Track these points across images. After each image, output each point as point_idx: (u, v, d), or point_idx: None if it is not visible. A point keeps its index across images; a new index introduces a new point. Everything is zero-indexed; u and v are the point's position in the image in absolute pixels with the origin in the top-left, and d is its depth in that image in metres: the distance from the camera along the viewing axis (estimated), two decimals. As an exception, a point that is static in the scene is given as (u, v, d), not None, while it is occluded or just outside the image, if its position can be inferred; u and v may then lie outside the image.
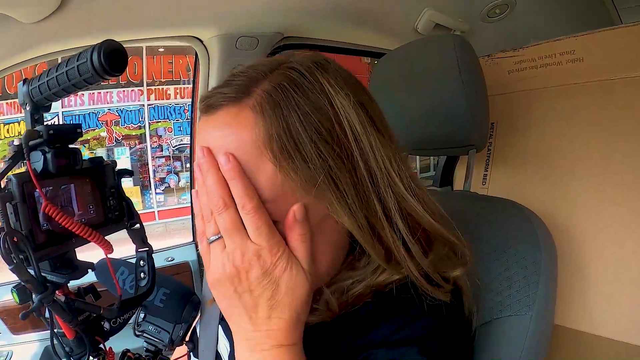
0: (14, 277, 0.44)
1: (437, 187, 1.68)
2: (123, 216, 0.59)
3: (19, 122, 7.54)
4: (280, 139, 0.44)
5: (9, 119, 7.53)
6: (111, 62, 0.44)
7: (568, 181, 1.05)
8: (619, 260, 0.95)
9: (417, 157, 5.82)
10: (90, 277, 0.60)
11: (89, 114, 8.03)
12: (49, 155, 0.48)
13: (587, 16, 1.39)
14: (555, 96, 1.10)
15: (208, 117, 0.48)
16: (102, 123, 8.13)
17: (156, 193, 8.52)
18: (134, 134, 8.41)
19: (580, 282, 0.99)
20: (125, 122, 8.32)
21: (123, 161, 8.27)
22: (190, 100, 1.37)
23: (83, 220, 0.52)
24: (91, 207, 0.54)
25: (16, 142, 0.47)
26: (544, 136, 1.11)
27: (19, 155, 0.46)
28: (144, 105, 8.36)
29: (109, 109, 8.15)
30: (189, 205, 1.45)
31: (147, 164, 8.52)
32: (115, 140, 8.28)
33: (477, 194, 0.90)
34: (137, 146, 8.47)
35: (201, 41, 1.19)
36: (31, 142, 0.48)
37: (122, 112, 8.27)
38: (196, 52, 1.23)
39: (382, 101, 0.89)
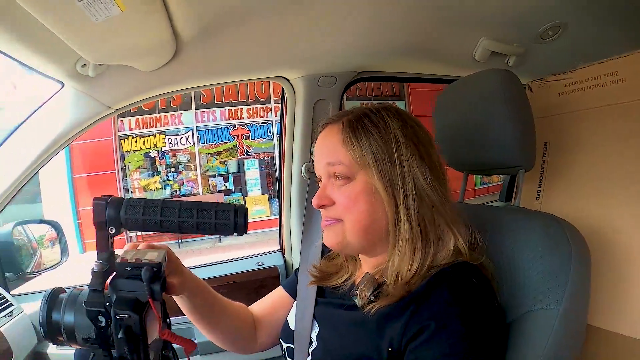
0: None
1: (502, 200, 1.75)
2: None
3: (154, 135, 8.78)
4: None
5: (144, 132, 8.77)
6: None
7: (616, 195, 1.10)
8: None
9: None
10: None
11: (221, 128, 9.12)
12: None
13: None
14: (602, 116, 1.15)
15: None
16: (234, 137, 9.19)
17: (283, 200, 9.23)
18: (263, 146, 9.33)
19: (623, 290, 1.04)
20: (255, 136, 9.27)
21: (252, 171, 9.24)
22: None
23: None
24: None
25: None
26: (592, 154, 1.17)
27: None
28: (271, 120, 9.22)
29: (239, 124, 9.17)
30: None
31: (275, 174, 9.33)
32: (246, 152, 9.27)
33: (524, 208, 0.97)
34: (266, 157, 9.37)
35: (288, 80, 1.45)
36: None
37: (251, 127, 9.23)
38: (283, 89, 1.50)
39: (444, 127, 1.08)
